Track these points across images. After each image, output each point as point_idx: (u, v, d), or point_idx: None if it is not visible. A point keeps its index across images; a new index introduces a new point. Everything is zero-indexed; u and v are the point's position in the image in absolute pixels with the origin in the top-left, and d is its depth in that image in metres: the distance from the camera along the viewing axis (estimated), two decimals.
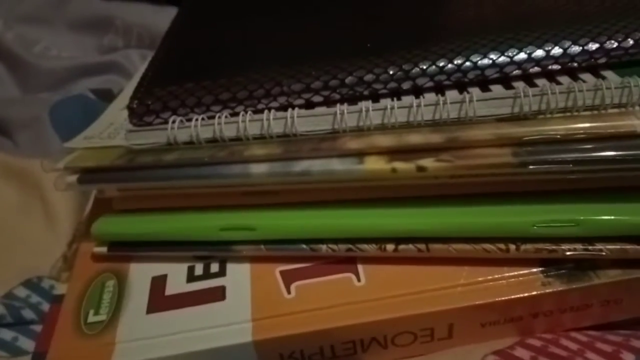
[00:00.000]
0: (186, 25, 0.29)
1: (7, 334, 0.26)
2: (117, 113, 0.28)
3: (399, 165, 0.20)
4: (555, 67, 0.22)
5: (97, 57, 0.45)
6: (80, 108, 0.38)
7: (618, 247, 0.20)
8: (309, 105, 0.22)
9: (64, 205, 0.32)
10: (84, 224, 0.28)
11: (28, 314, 0.27)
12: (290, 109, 0.21)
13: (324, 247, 0.22)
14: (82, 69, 0.43)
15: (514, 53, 0.22)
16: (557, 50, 0.22)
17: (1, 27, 0.44)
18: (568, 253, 0.20)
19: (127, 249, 0.23)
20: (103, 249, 0.23)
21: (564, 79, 0.22)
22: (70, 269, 0.27)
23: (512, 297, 0.20)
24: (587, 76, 0.22)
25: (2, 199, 0.32)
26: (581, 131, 0.20)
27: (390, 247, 0.21)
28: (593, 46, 0.22)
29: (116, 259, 0.24)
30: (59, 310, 0.24)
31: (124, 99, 0.29)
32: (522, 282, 0.20)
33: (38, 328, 0.27)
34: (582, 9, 0.24)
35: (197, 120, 0.22)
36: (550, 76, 0.22)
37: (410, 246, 0.21)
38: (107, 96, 0.41)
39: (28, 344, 0.26)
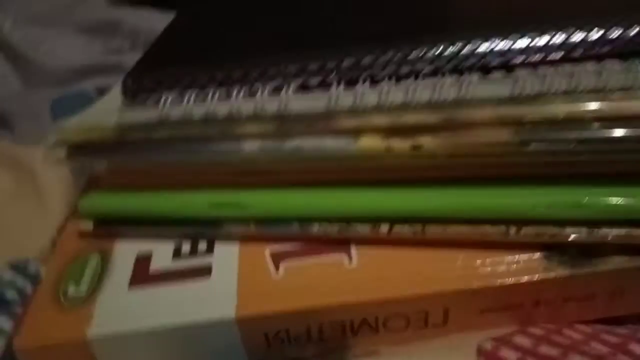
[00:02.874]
0: (185, 12, 0.29)
1: None
2: (110, 101, 0.28)
3: (394, 143, 0.20)
4: (556, 56, 0.22)
5: (103, 58, 0.45)
6: (81, 104, 0.38)
7: (624, 232, 0.19)
8: (305, 88, 0.22)
9: (56, 193, 0.31)
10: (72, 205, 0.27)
11: (11, 295, 0.26)
12: (285, 88, 0.21)
13: (315, 226, 0.21)
14: (87, 69, 0.44)
15: (516, 40, 0.22)
16: (559, 39, 0.22)
17: (9, 27, 0.44)
18: (571, 237, 0.19)
19: (112, 226, 0.22)
20: (89, 226, 0.23)
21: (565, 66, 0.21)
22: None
23: (512, 281, 0.19)
24: (590, 64, 0.21)
25: None
26: (584, 112, 0.19)
27: (384, 228, 0.20)
28: (595, 35, 0.21)
29: (102, 236, 0.23)
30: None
31: (113, 94, 0.28)
32: (522, 267, 0.19)
33: (19, 310, 0.26)
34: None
35: (189, 97, 0.21)
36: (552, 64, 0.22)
37: (406, 227, 0.20)
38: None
39: (7, 325, 0.25)
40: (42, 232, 0.29)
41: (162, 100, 0.22)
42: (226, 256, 0.21)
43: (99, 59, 0.45)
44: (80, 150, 0.22)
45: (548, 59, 0.21)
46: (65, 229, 0.24)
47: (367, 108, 0.20)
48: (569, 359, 0.17)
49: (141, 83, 0.22)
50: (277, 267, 0.21)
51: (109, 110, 0.25)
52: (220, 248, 0.22)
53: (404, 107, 0.20)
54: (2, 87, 0.41)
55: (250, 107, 0.21)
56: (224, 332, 0.19)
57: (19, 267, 0.28)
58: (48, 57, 0.44)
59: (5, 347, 0.22)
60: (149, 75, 0.23)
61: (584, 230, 0.19)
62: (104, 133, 0.22)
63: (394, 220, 0.20)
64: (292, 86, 0.21)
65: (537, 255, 0.20)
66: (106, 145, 0.22)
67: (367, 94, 0.20)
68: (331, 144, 0.20)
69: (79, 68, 0.43)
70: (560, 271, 0.19)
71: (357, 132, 0.20)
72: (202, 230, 0.22)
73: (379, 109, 0.20)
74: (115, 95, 0.28)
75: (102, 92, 0.40)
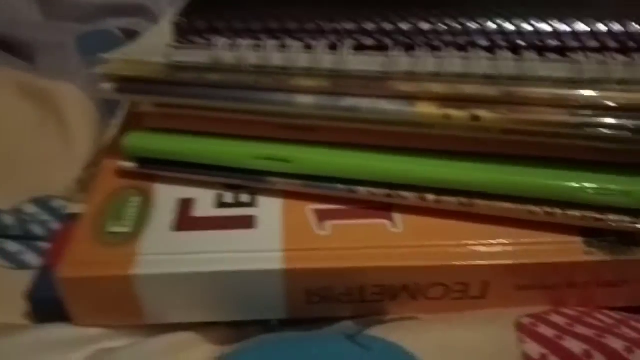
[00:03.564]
0: None
1: (13, 246, 0.25)
2: (153, 39, 0.27)
3: (453, 112, 0.20)
4: (613, 44, 0.22)
5: None
6: (107, 43, 0.37)
7: None
8: (359, 47, 0.22)
9: (82, 130, 0.31)
10: (105, 145, 0.27)
11: (37, 229, 0.26)
12: (341, 46, 0.21)
13: (362, 189, 0.21)
14: (110, 8, 0.42)
15: (575, 23, 0.22)
16: (617, 27, 0.22)
17: None
18: (614, 224, 0.20)
19: (156, 167, 0.22)
20: (130, 164, 0.22)
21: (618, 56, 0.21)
22: (85, 192, 0.26)
23: (552, 261, 0.20)
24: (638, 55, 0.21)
25: (19, 117, 0.31)
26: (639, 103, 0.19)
27: (431, 197, 0.21)
28: None
29: (142, 177, 0.23)
30: (72, 228, 0.23)
31: (157, 27, 0.28)
32: (563, 249, 0.20)
33: (44, 245, 0.25)
34: None
35: (244, 43, 0.21)
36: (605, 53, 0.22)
37: (452, 199, 0.21)
38: (133, 37, 0.40)
39: (33, 259, 0.25)
40: (67, 170, 0.29)
41: (216, 44, 0.21)
42: (269, 209, 0.21)
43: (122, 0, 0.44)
44: (129, 85, 0.21)
45: (603, 46, 0.21)
46: (101, 165, 0.24)
47: (425, 74, 0.20)
48: (606, 339, 0.18)
49: (194, 24, 0.22)
50: (321, 225, 0.21)
51: (155, 47, 0.24)
52: (262, 200, 0.22)
53: (462, 77, 0.20)
54: (22, 16, 0.40)
55: (305, 60, 0.21)
56: (268, 283, 0.19)
57: (42, 203, 0.27)
58: None
59: (35, 281, 0.22)
60: (202, 17, 0.22)
61: (626, 219, 0.20)
62: (154, 69, 0.21)
63: (442, 190, 0.21)
64: (348, 44, 0.21)
65: (577, 238, 0.20)
66: (157, 83, 0.21)
67: (424, 60, 0.20)
68: (388, 106, 0.20)
69: (102, 6, 0.42)
70: (599, 256, 0.20)
71: (413, 98, 0.20)
72: (246, 181, 0.22)
73: (436, 76, 0.20)
74: (158, 33, 0.27)
75: (127, 33, 0.39)
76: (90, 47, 0.35)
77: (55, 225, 0.26)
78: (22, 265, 0.25)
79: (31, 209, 0.27)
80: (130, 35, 0.39)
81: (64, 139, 0.30)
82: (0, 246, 0.25)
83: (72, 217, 0.24)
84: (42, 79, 0.32)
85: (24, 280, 0.23)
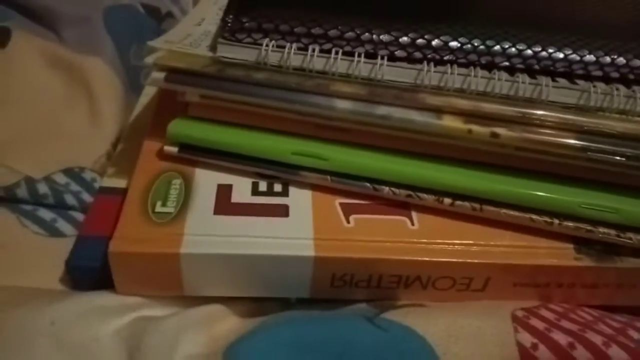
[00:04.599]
0: None
1: (47, 214, 0.27)
2: (191, 27, 0.28)
3: (475, 127, 0.22)
4: (615, 74, 0.24)
5: None
6: (131, 18, 0.38)
7: None
8: (392, 58, 0.24)
9: (110, 105, 0.32)
10: (136, 123, 0.28)
11: (70, 199, 0.27)
12: (379, 56, 0.23)
13: (386, 189, 0.23)
14: None
15: (584, 54, 0.24)
16: (620, 60, 0.24)
17: None
18: (602, 235, 0.23)
19: (198, 154, 0.24)
20: (174, 149, 0.24)
21: (621, 87, 0.24)
22: (115, 167, 0.27)
23: (547, 263, 0.22)
24: (639, 89, 0.24)
25: (49, 89, 0.32)
26: (635, 133, 0.22)
27: (447, 200, 0.23)
28: None
29: (184, 162, 0.24)
30: (106, 200, 0.25)
31: (196, 15, 0.29)
32: (557, 254, 0.23)
33: (77, 215, 0.27)
34: None
35: (290, 47, 0.23)
36: (608, 82, 0.24)
37: (466, 204, 0.23)
38: (155, 13, 0.41)
39: (67, 228, 0.26)
40: (95, 143, 0.30)
41: (263, 45, 0.23)
42: (301, 200, 0.23)
43: None
44: (179, 76, 0.23)
45: (607, 75, 0.24)
46: (143, 147, 0.25)
47: (451, 90, 0.23)
48: (587, 334, 0.21)
49: (242, 23, 0.24)
50: (347, 219, 0.23)
51: (195, 37, 0.26)
52: (294, 191, 0.24)
53: (484, 95, 0.23)
54: None
55: (345, 66, 0.23)
56: (298, 267, 0.22)
57: (73, 174, 0.29)
58: None
59: (74, 250, 0.24)
60: (249, 17, 0.24)
61: (613, 232, 0.23)
62: (203, 63, 0.23)
63: (457, 196, 0.23)
64: (383, 54, 0.23)
65: (569, 245, 0.23)
66: (205, 76, 0.23)
67: (452, 76, 0.22)
68: (418, 117, 0.22)
69: None
70: (586, 262, 0.23)
71: (440, 111, 0.23)
72: (281, 173, 0.24)
73: (461, 92, 0.23)
74: (195, 18, 0.28)
75: (148, 10, 0.40)
76: (116, 22, 0.36)
77: (87, 197, 0.28)
78: (56, 233, 0.26)
79: (62, 179, 0.28)
80: (152, 11, 0.40)
81: (92, 113, 0.31)
82: (35, 213, 0.26)
83: (106, 191, 0.26)
84: (70, 51, 0.33)
85: (58, 247, 0.25)
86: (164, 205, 0.22)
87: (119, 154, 0.29)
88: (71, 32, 0.35)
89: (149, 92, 0.32)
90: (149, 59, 0.23)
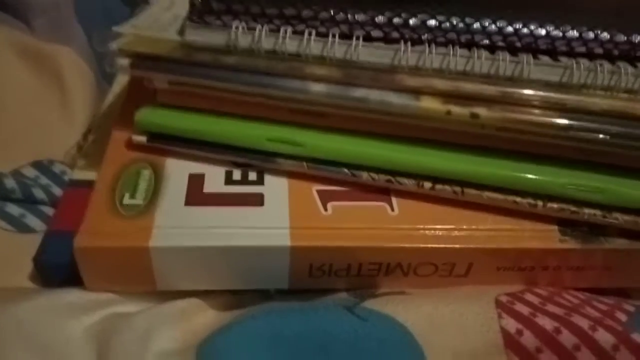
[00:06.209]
0: None
1: (15, 210, 0.26)
2: (160, 12, 0.27)
3: (454, 108, 0.21)
4: (599, 50, 0.23)
5: None
6: (103, 5, 0.36)
7: (632, 218, 0.22)
8: (368, 39, 0.23)
9: (81, 95, 0.31)
10: (106, 112, 0.27)
11: (38, 193, 0.26)
12: (354, 37, 0.22)
13: (364, 174, 0.23)
14: None
15: (567, 30, 0.23)
16: (604, 35, 0.23)
17: None
18: (587, 216, 0.22)
19: (168, 143, 0.23)
20: (142, 138, 0.23)
21: (605, 64, 0.23)
22: (85, 158, 0.26)
23: (531, 246, 0.22)
24: (623, 64, 0.23)
25: (18, 80, 0.30)
26: (620, 110, 0.21)
27: (427, 184, 0.22)
28: (637, 38, 0.23)
29: (153, 151, 0.23)
30: (76, 194, 0.24)
31: (164, 3, 0.28)
32: (541, 236, 0.22)
33: (47, 209, 0.26)
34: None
35: (261, 29, 0.22)
36: (592, 58, 0.24)
37: (447, 187, 0.22)
38: (128, 0, 0.39)
39: (36, 223, 0.25)
40: (65, 134, 0.29)
41: (233, 27, 0.22)
42: (276, 188, 0.23)
43: None
44: (145, 62, 0.22)
45: (591, 52, 0.23)
46: (99, 132, 0.24)
47: (430, 70, 0.22)
48: (573, 317, 0.20)
49: (211, 5, 0.22)
50: (324, 206, 0.22)
51: (166, 22, 0.25)
52: (270, 180, 0.23)
53: (464, 75, 0.22)
54: None
55: (318, 49, 0.22)
56: (275, 258, 0.21)
57: (43, 166, 0.28)
58: None
59: (42, 246, 0.23)
60: None
61: (598, 213, 0.22)
62: (170, 47, 0.22)
63: (437, 179, 0.22)
64: (359, 35, 0.22)
65: (554, 227, 0.23)
66: (172, 61, 0.22)
67: (430, 56, 0.21)
68: (395, 99, 0.22)
69: None
70: (571, 244, 0.22)
71: (418, 92, 0.22)
72: (256, 161, 0.23)
73: (440, 72, 0.22)
74: (165, 2, 0.27)
75: None
76: (87, 9, 0.35)
77: (56, 190, 0.27)
78: (25, 229, 0.25)
79: (31, 172, 0.28)
80: None
81: (62, 103, 0.30)
82: (3, 209, 0.26)
83: (76, 184, 0.25)
84: (40, 41, 0.32)
85: (27, 243, 0.24)
86: (132, 197, 0.22)
87: (90, 145, 0.28)
88: (41, 21, 0.34)
89: (121, 81, 0.31)
90: (114, 45, 0.22)
